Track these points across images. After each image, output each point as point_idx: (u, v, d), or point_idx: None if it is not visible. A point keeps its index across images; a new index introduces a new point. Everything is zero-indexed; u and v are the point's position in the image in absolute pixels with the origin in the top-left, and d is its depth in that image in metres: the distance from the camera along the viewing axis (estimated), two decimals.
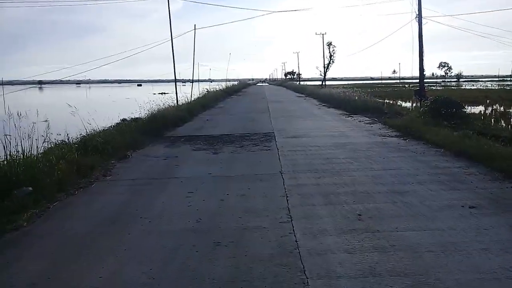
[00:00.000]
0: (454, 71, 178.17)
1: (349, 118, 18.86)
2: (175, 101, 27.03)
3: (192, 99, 31.80)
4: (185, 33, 34.17)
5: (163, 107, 19.96)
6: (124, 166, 9.65)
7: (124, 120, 19.16)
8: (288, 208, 6.27)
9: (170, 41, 28.79)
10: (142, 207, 6.52)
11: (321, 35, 68.99)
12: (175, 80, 30.29)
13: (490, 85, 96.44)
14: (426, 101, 34.15)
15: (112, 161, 10.00)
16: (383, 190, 7.12)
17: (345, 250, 4.74)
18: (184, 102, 28.16)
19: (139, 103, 21.31)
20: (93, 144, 10.69)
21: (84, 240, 5.25)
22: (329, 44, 66.99)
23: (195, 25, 32.73)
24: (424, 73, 40.99)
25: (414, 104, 36.06)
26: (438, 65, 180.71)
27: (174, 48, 31.42)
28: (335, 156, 10.11)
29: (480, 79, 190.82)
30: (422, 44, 38.13)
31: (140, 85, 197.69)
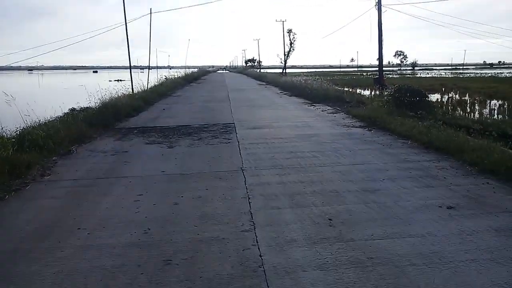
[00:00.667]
0: (409, 60, 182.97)
1: (312, 107, 18.35)
2: (131, 89, 25.79)
3: (149, 86, 30.51)
4: (140, 17, 32.69)
5: (116, 95, 18.77)
6: (67, 163, 8.61)
7: (72, 110, 17.83)
8: (251, 213, 5.56)
9: (124, 25, 27.37)
10: (81, 215, 5.61)
11: (281, 22, 68.50)
12: (130, 67, 28.83)
13: (444, 73, 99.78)
14: (386, 90, 34.58)
15: (54, 158, 8.92)
16: (353, 188, 6.54)
17: (318, 266, 4.08)
18: (140, 90, 26.93)
19: (91, 91, 20.08)
20: (32, 139, 9.57)
21: (2, 263, 4.32)
22: (289, 31, 66.65)
23: (150, 8, 31.18)
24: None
25: (373, 92, 36.44)
26: (394, 54, 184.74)
27: (131, 34, 29.90)
28: (300, 149, 9.48)
29: (434, 68, 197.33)
30: (382, 32, 38.43)
31: (96, 71, 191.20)
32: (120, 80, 56.70)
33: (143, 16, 31.18)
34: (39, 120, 12.00)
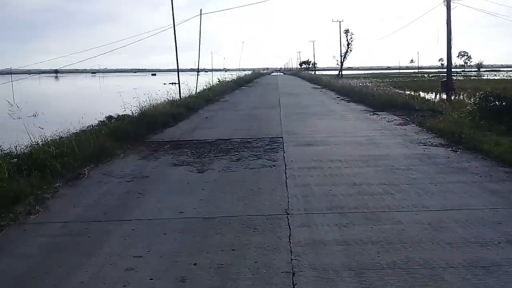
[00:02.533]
0: (473, 61, 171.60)
1: (375, 116, 15.81)
2: (179, 94, 24.44)
3: (198, 91, 29.13)
4: (190, 18, 31.47)
5: (156, 102, 17.27)
6: (69, 193, 6.89)
7: (109, 118, 16.50)
8: None
9: (173, 27, 26.12)
10: None
11: (338, 22, 65.52)
12: (178, 70, 27.53)
13: None
14: (454, 94, 31.02)
15: (57, 185, 7.23)
16: (456, 259, 4.20)
17: None
18: (189, 94, 25.57)
19: (139, 95, 18.95)
20: (39, 158, 8.01)
21: None
22: (347, 31, 63.53)
23: (201, 9, 29.92)
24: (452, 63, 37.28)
25: (438, 97, 32.93)
26: (457, 54, 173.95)
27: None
28: (366, 179, 7.18)
29: (501, 69, 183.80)
30: (451, 30, 34.47)
31: (155, 74, 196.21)
32: (175, 83, 56.55)
33: (193, 17, 29.96)
34: (59, 133, 10.57)
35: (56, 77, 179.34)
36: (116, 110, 17.38)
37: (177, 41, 26.21)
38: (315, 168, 8.01)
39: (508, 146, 8.70)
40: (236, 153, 9.66)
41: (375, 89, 22.63)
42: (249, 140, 11.21)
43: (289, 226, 5.19)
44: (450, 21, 32.89)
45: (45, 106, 33.60)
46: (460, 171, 7.59)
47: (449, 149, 9.51)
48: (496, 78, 74.28)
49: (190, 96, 22.94)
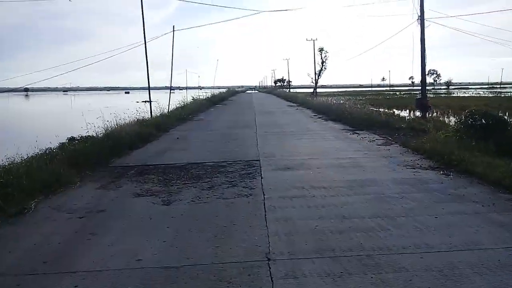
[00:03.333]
0: (443, 79, 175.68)
1: (355, 135, 15.10)
2: (150, 112, 23.32)
3: (171, 109, 28.06)
4: (162, 35, 30.51)
5: (126, 121, 16.15)
6: (6, 234, 5.73)
7: (71, 139, 15.25)
8: None
9: (144, 44, 25.13)
10: None
11: (312, 41, 65.76)
12: (149, 88, 26.47)
13: (482, 92, 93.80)
14: (429, 112, 30.88)
15: None
16: None
17: None
18: (161, 112, 24.46)
19: (103, 115, 17.88)
20: None
21: None
22: (321, 49, 63.77)
23: (173, 26, 28.99)
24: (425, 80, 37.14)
25: (412, 114, 32.85)
26: (427, 72, 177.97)
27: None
28: (356, 211, 6.30)
29: (469, 86, 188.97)
30: (424, 48, 34.24)
31: (128, 92, 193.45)
32: (148, 101, 55.17)
33: (165, 34, 28.91)
34: (10, 158, 9.35)
35: (27, 95, 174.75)
36: (82, 130, 16.18)
37: (148, 58, 25.23)
38: (297, 197, 7.09)
39: (504, 170, 8.00)
40: (209, 179, 8.66)
41: (352, 107, 22.08)
42: (223, 164, 10.23)
43: (271, 278, 4.22)
44: (424, 39, 32.85)
45: (6, 126, 31.89)
46: (459, 199, 6.80)
47: (441, 172, 8.77)
48: (466, 95, 75.89)
49: (162, 115, 21.82)
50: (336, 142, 13.44)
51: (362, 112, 19.70)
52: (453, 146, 10.66)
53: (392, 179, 8.28)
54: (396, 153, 11.22)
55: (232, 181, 8.40)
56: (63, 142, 14.60)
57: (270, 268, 4.43)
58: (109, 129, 13.89)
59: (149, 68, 25.49)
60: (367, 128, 16.91)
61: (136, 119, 17.39)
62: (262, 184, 8.11)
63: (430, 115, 30.15)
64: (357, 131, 16.13)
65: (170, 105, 29.00)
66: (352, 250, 4.84)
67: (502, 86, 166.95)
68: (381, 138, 14.09)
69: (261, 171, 9.27)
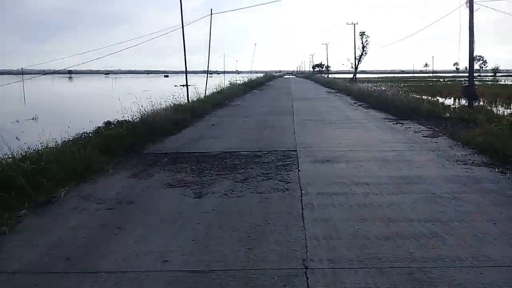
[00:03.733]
0: (489, 65, 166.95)
1: (398, 125, 14.28)
2: (187, 97, 23.18)
3: (207, 94, 27.84)
4: (200, 19, 30.24)
5: (162, 106, 15.99)
6: (32, 225, 5.54)
7: (107, 124, 15.26)
8: None
9: (181, 28, 24.92)
10: None
11: (353, 25, 63.73)
12: (186, 72, 26.37)
13: None
14: (476, 100, 29.21)
15: (21, 212, 5.91)
16: None
17: None
18: (197, 97, 24.28)
19: (144, 98, 18.03)
20: (8, 176, 6.71)
21: None
22: (362, 34, 61.67)
23: (211, 9, 28.53)
24: (474, 67, 34.85)
25: (457, 102, 31.16)
26: None
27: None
28: (403, 212, 5.72)
29: None
30: (473, 33, 32.24)
31: (167, 76, 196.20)
32: (186, 85, 55.35)
33: (203, 17, 28.52)
34: (46, 142, 9.28)
35: (70, 77, 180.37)
36: (120, 114, 16.13)
37: (185, 42, 25.07)
38: (337, 195, 6.56)
39: None
40: (243, 170, 8.26)
41: (395, 94, 21.05)
42: (258, 153, 9.79)
43: None
44: (473, 24, 30.94)
45: (48, 108, 32.72)
46: None
47: (496, 170, 7.97)
48: None
49: (198, 100, 21.58)
50: (379, 133, 12.71)
51: (406, 100, 18.68)
52: (509, 140, 9.77)
53: (442, 176, 7.58)
54: (444, 146, 10.41)
55: (268, 173, 7.95)
56: (98, 127, 14.64)
57: (307, 279, 3.97)
58: (144, 114, 13.70)
59: (186, 53, 25.28)
60: (411, 117, 16.01)
61: (172, 104, 17.20)
62: (299, 177, 7.62)
63: (477, 104, 28.56)
64: (401, 121, 15.27)
65: (207, 90, 28.84)
66: (400, 261, 4.30)
67: None
68: (427, 129, 13.23)
69: (298, 163, 8.77)
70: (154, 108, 14.86)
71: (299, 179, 7.49)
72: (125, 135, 10.68)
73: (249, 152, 9.91)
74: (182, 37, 24.99)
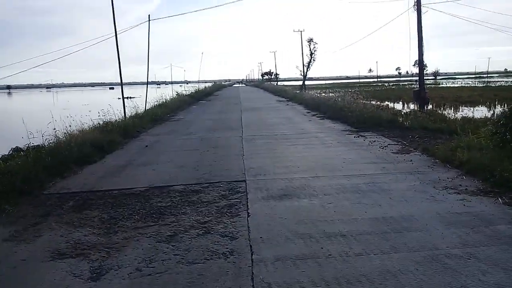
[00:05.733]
0: (430, 69, 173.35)
1: (360, 139, 12.54)
2: (124, 113, 20.49)
3: (148, 107, 25.25)
4: (138, 25, 27.69)
5: (82, 127, 13.41)
6: None
7: (16, 150, 12.51)
8: None
9: (115, 36, 22.25)
10: None
11: (299, 32, 62.97)
12: (121, 84, 23.58)
13: (470, 82, 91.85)
14: (427, 105, 28.53)
15: None
16: None
17: None
18: (135, 112, 21.65)
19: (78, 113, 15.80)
20: None
21: None
22: (310, 40, 60.68)
23: (149, 15, 26.12)
24: (424, 71, 34.25)
25: (405, 107, 30.51)
26: (413, 63, 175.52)
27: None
28: None
29: (456, 77, 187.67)
30: (422, 36, 31.57)
31: (112, 88, 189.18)
32: (131, 98, 51.99)
33: (141, 23, 26.54)
34: None
35: (9, 92, 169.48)
36: (40, 135, 13.33)
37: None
38: (305, 260, 4.49)
39: None
40: (173, 218, 6.02)
41: (352, 102, 19.53)
42: (196, 188, 7.58)
43: None
44: (421, 27, 30.31)
45: None
46: None
47: (500, 201, 6.23)
48: (455, 85, 73.80)
49: (133, 116, 18.99)
50: (341, 150, 10.85)
51: (364, 108, 17.13)
52: (496, 155, 8.17)
53: (437, 215, 5.72)
54: (422, 166, 8.67)
55: (206, 222, 5.76)
56: (6, 154, 11.94)
57: None
58: (62, 139, 11.13)
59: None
60: (371, 128, 14.42)
61: (98, 123, 14.63)
62: (248, 228, 5.49)
63: (428, 108, 27.89)
64: (362, 133, 13.58)
65: (150, 103, 26.24)
66: None
67: (489, 75, 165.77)
68: (394, 143, 11.56)
69: (247, 201, 6.65)
70: (70, 129, 12.24)
71: (248, 231, 5.36)
72: (20, 169, 8.11)
73: (184, 187, 7.67)
74: (116, 46, 22.31)
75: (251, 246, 4.91)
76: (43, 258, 4.85)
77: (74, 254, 4.90)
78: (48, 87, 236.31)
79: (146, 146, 12.62)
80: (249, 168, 8.99)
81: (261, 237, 5.14)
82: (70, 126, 12.38)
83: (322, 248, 4.77)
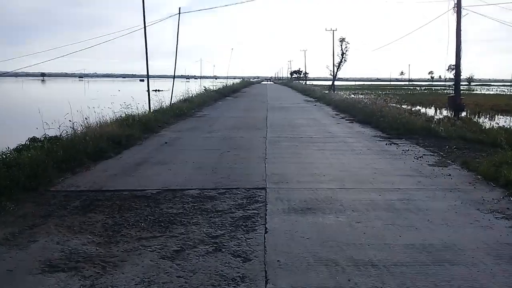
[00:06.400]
0: (464, 74, 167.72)
1: (393, 146, 11.68)
2: (148, 106, 20.16)
3: (174, 101, 24.92)
4: (167, 18, 27.35)
5: (105, 120, 13.04)
6: None
7: (33, 140, 12.21)
8: None
9: (143, 28, 21.92)
10: None
11: (332, 31, 61.71)
12: (148, 76, 23.37)
13: (506, 90, 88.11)
14: (462, 111, 27.17)
15: None
16: None
17: None
18: (160, 105, 21.31)
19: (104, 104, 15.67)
20: None
21: None
22: (342, 40, 59.22)
23: (179, 8, 25.63)
24: (460, 76, 32.44)
25: (439, 113, 29.12)
26: (447, 68, 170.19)
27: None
28: None
29: (491, 83, 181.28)
30: (460, 39, 29.95)
31: (143, 80, 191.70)
32: (159, 90, 52.08)
33: (171, 16, 25.78)
34: None
35: (43, 80, 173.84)
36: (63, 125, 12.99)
37: (147, 43, 22.07)
38: None
39: None
40: (182, 228, 5.42)
41: (384, 106, 18.56)
42: (211, 193, 6.97)
43: None
44: (460, 30, 28.78)
45: None
46: None
47: None
48: (490, 92, 71.03)
49: (157, 110, 18.59)
50: (371, 158, 10.05)
51: (397, 114, 16.18)
52: None
53: (484, 245, 4.91)
54: (463, 182, 7.80)
55: (218, 237, 5.13)
56: (23, 144, 11.66)
57: None
58: (77, 133, 10.73)
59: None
60: (404, 135, 13.52)
61: (120, 116, 14.24)
62: (265, 247, 4.82)
63: (462, 115, 26.58)
64: (394, 140, 12.70)
65: (175, 96, 25.88)
66: None
67: None
68: (430, 153, 10.66)
69: (266, 214, 5.98)
70: (87, 121, 11.85)
71: (264, 252, 4.70)
72: (29, 162, 7.67)
73: (199, 192, 7.06)
74: (144, 37, 22.00)
75: (266, 271, 4.24)
76: (31, 269, 4.32)
77: (67, 268, 4.35)
78: (81, 76, 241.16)
79: (166, 142, 12.11)
80: (271, 174, 8.31)
81: (278, 261, 4.47)
82: (88, 118, 11.97)
83: (349, 280, 4.06)
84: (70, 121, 11.24)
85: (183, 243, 4.97)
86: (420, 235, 5.22)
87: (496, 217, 5.88)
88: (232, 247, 4.84)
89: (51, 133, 11.53)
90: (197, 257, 4.58)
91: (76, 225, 5.58)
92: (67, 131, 11.24)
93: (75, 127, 11.09)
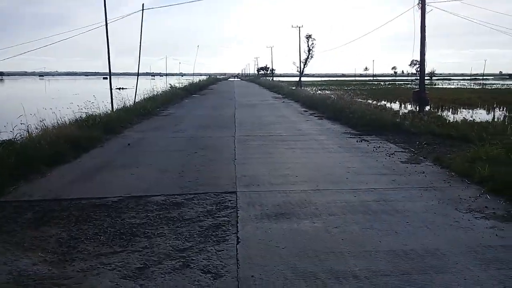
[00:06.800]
0: (426, 69, 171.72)
1: (364, 143, 11.51)
2: (111, 105, 19.32)
3: (140, 99, 24.11)
4: (131, 14, 26.27)
5: (63, 121, 12.28)
6: None
7: None
8: None
9: (105, 26, 20.99)
10: None
11: (298, 28, 61.82)
12: (110, 74, 22.41)
13: (466, 84, 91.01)
14: (426, 105, 27.62)
15: None
16: None
17: None
18: (123, 104, 20.48)
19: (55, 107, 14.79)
20: None
21: None
22: (309, 36, 59.55)
23: (143, 4, 24.78)
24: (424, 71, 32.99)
25: (403, 107, 29.53)
26: (409, 63, 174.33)
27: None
28: None
29: (452, 78, 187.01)
30: (425, 35, 30.43)
31: (106, 78, 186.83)
32: (123, 88, 50.61)
33: (134, 13, 24.80)
34: None
35: (1, 79, 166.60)
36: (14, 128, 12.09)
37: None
38: None
39: None
40: (146, 241, 4.95)
41: (352, 102, 18.50)
42: (178, 199, 6.50)
43: None
44: (425, 26, 29.20)
45: None
46: None
47: None
48: (451, 86, 73.05)
49: (120, 110, 17.83)
50: (343, 156, 9.81)
51: (367, 110, 16.10)
52: None
53: (466, 248, 4.69)
54: (437, 180, 7.64)
55: (185, 250, 4.69)
56: None
57: None
58: (32, 133, 9.99)
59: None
60: (375, 131, 13.39)
61: (79, 117, 13.48)
62: (237, 261, 4.42)
63: (427, 109, 27.01)
64: (365, 137, 12.55)
65: (139, 95, 25.03)
66: None
67: (484, 78, 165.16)
68: (401, 150, 10.54)
69: (237, 221, 5.58)
70: (43, 123, 11.11)
71: (237, 266, 4.30)
72: None
73: (164, 198, 6.58)
74: (106, 34, 21.09)
75: None
76: None
77: None
78: (41, 75, 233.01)
79: (129, 144, 11.49)
80: (241, 176, 7.92)
81: (252, 276, 4.08)
82: (44, 120, 11.22)
83: None
84: (22, 123, 10.44)
85: (146, 258, 4.50)
86: (400, 239, 4.95)
87: (476, 217, 5.70)
88: (201, 261, 4.42)
89: (4, 136, 10.72)
90: (163, 275, 4.13)
91: (27, 241, 5.01)
92: (21, 135, 10.49)
93: (29, 130, 10.32)
